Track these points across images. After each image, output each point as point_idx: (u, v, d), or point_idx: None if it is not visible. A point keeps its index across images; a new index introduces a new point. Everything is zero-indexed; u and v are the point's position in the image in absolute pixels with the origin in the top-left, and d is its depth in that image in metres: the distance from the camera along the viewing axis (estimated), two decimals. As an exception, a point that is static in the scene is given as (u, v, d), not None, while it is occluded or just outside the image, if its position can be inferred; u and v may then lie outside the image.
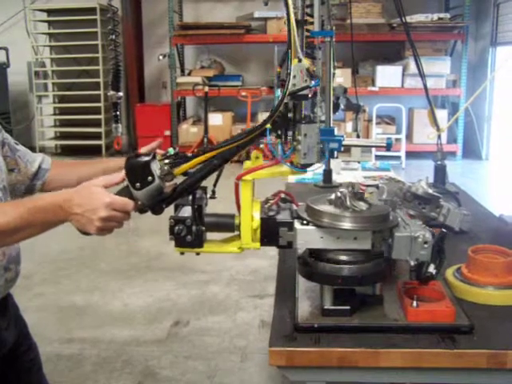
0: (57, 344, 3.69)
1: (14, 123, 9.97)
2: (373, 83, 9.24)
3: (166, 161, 1.45)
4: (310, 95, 1.53)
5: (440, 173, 3.35)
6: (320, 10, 3.60)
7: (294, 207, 1.61)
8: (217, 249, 1.59)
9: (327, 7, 3.86)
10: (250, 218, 1.53)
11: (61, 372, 3.40)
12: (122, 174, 1.45)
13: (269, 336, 3.76)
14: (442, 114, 9.30)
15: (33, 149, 1.84)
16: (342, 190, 1.54)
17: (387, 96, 9.17)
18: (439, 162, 3.59)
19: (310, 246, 1.54)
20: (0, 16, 9.94)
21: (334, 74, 3.47)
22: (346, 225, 1.47)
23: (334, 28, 3.55)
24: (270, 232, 1.53)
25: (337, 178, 3.77)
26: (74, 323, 3.99)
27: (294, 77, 1.47)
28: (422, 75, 4.17)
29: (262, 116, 9.45)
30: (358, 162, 5.02)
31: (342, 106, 4.28)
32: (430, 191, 2.65)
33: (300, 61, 1.48)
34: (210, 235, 1.60)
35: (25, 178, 1.84)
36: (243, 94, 8.89)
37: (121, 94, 4.15)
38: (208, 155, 1.46)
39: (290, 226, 1.51)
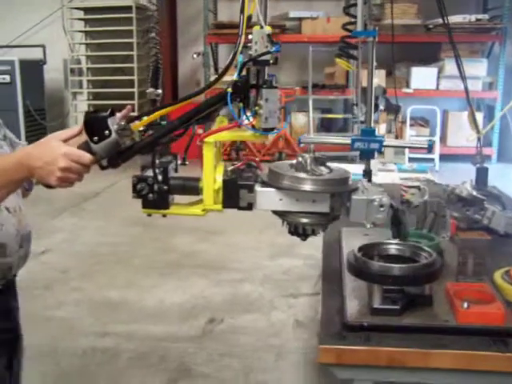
0: (92, 337, 3.73)
1: (49, 119, 10.10)
2: (407, 85, 9.16)
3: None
4: (271, 61, 1.54)
5: (482, 175, 3.30)
6: (363, 10, 3.60)
7: (259, 172, 1.62)
8: (181, 211, 1.63)
9: (368, 7, 3.85)
10: (213, 180, 1.56)
11: (97, 365, 3.43)
12: (80, 127, 1.51)
13: (303, 336, 3.75)
14: (477, 117, 9.16)
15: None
16: (303, 154, 1.54)
17: (421, 98, 9.07)
18: (478, 165, 3.55)
19: (269, 207, 1.54)
20: (38, 14, 10.08)
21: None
22: (304, 187, 1.48)
23: (377, 28, 3.53)
24: (231, 194, 1.55)
25: (375, 179, 3.74)
26: (110, 318, 4.02)
27: (256, 43, 1.51)
28: (462, 77, 4.13)
29: (296, 115, 9.43)
30: (394, 164, 4.99)
31: (381, 107, 4.27)
32: (475, 193, 2.62)
33: (262, 27, 1.51)
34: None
35: None
36: (277, 93, 8.86)
37: (159, 91, 4.17)
38: (164, 111, 1.52)
39: (250, 188, 1.53)
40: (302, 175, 1.49)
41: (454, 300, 1.63)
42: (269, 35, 1.51)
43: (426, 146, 3.48)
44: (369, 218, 1.50)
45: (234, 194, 1.54)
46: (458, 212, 2.50)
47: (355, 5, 4.47)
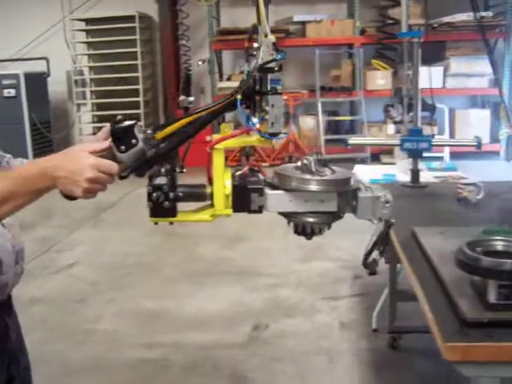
0: (140, 349, 3.69)
1: (54, 132, 10.06)
2: (413, 84, 9.19)
3: None
4: (276, 68, 1.57)
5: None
6: (407, 10, 3.62)
7: (262, 176, 1.64)
8: (189, 217, 1.63)
9: (406, 7, 3.88)
10: (223, 186, 1.58)
11: (150, 376, 3.40)
12: (108, 142, 1.49)
13: (351, 337, 3.73)
14: (483, 114, 9.24)
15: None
16: (307, 157, 1.58)
17: (428, 97, 9.08)
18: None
19: (279, 209, 1.57)
20: (40, 26, 10.05)
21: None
22: (313, 187, 1.51)
23: (422, 29, 3.56)
24: (241, 198, 1.57)
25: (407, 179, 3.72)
26: (152, 329, 3.99)
27: (262, 51, 1.53)
28: (495, 73, 4.15)
29: (304, 119, 9.46)
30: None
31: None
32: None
33: (266, 36, 1.54)
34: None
35: None
36: (285, 97, 8.85)
37: (192, 98, 4.16)
38: (187, 119, 1.52)
39: (260, 191, 1.55)
40: (310, 176, 1.53)
41: None
42: (274, 43, 1.55)
43: (476, 144, 3.51)
44: (375, 214, 1.53)
45: (245, 198, 1.56)
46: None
47: (391, 6, 4.53)
